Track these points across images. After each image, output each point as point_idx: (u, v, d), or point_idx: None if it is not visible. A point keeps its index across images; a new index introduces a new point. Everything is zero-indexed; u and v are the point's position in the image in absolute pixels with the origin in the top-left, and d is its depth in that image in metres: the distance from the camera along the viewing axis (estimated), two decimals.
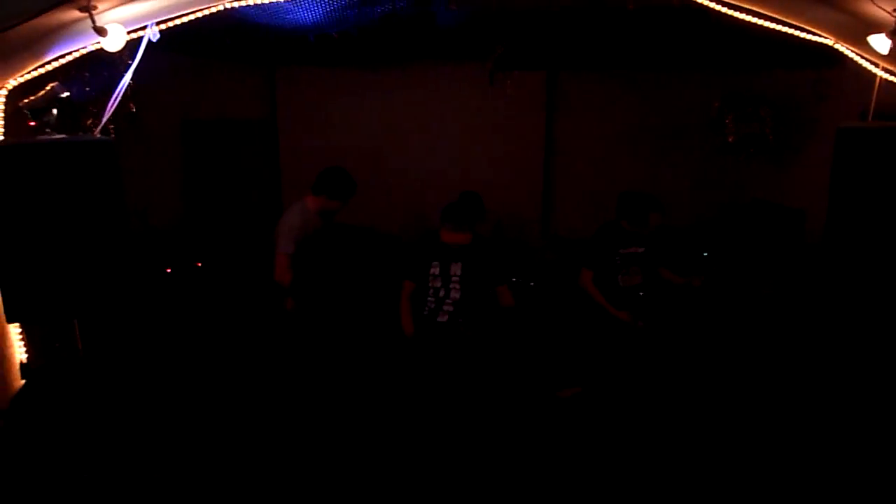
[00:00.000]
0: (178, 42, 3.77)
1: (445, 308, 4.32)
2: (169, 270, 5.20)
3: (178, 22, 3.38)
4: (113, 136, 4.18)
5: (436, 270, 4.32)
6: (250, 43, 4.79)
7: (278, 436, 4.21)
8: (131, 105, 4.64)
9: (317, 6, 3.63)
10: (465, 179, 6.40)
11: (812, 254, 5.19)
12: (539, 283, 6.05)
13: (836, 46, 3.76)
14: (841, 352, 4.73)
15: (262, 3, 3.44)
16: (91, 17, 2.72)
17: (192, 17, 3.40)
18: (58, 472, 3.29)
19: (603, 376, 4.72)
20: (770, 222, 5.90)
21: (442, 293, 4.31)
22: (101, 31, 2.79)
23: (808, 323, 5.11)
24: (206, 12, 3.41)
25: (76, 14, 2.77)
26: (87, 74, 4.10)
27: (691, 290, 4.90)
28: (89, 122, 4.33)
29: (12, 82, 3.33)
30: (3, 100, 3.32)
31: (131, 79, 3.41)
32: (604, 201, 5.55)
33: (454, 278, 4.30)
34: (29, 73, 3.32)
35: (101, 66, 3.95)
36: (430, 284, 4.33)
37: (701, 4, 3.29)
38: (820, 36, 3.69)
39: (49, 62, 3.32)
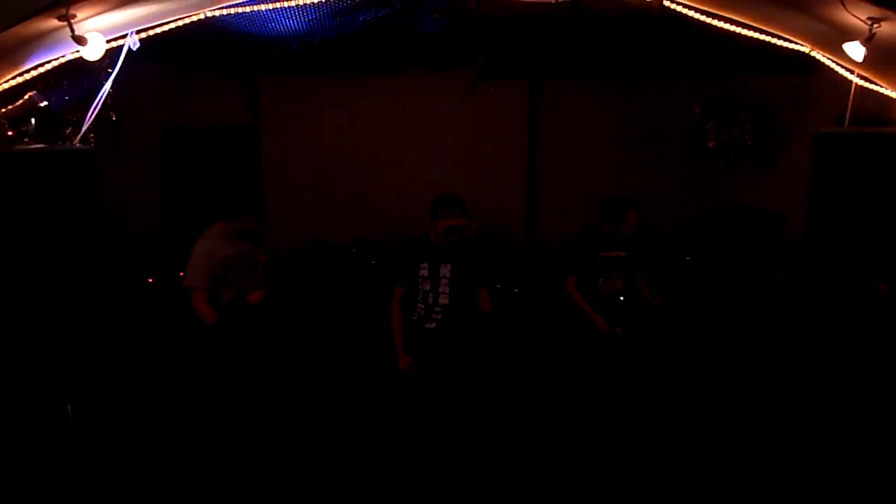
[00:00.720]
0: (159, 50, 3.75)
1: (434, 315, 4.31)
2: (151, 280, 5.14)
3: (158, 31, 3.36)
4: (93, 145, 4.14)
5: (425, 272, 4.29)
6: (232, 51, 4.77)
7: (262, 443, 4.20)
8: (111, 114, 4.60)
9: (299, 15, 3.63)
10: (447, 186, 6.39)
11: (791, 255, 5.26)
12: (523, 290, 6.07)
13: (813, 54, 3.82)
14: (820, 352, 4.79)
15: (244, 12, 3.43)
16: (70, 26, 2.69)
17: (172, 25, 3.38)
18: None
19: (583, 381, 4.74)
20: (751, 227, 5.96)
21: (431, 298, 4.28)
22: (80, 40, 2.77)
23: (788, 325, 5.18)
24: (187, 21, 3.39)
25: (55, 23, 2.74)
26: (66, 83, 4.06)
27: (652, 306, 4.92)
28: (68, 131, 4.28)
29: None
30: None
31: (112, 87, 3.39)
32: (587, 207, 5.57)
33: (443, 280, 4.28)
34: (6, 81, 3.28)
35: (81, 74, 3.91)
36: (420, 287, 4.30)
37: (679, 13, 3.32)
38: (796, 43, 3.75)
39: (27, 71, 3.29)
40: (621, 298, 4.76)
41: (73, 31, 2.72)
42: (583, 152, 7.12)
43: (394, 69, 6.59)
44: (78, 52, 3.00)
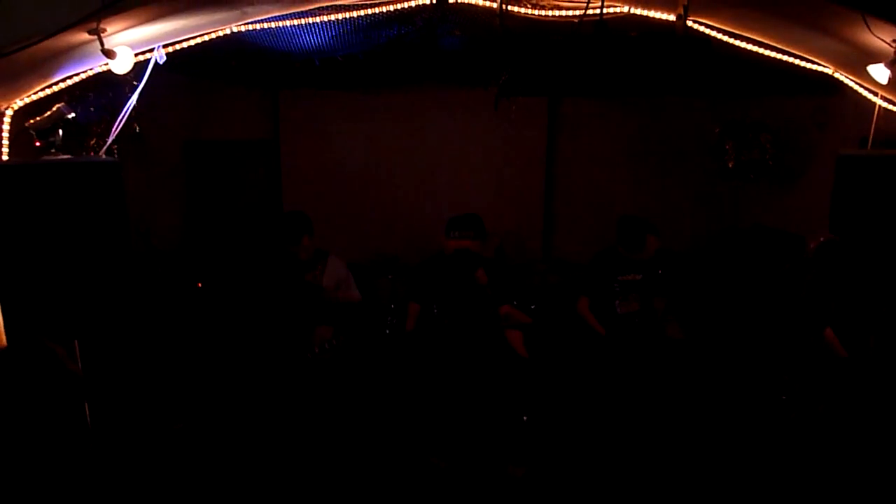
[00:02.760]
0: (182, 63, 3.80)
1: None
2: (201, 285, 5.23)
3: (185, 45, 3.41)
4: (116, 156, 4.19)
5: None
6: (255, 65, 4.82)
7: (272, 454, 4.21)
8: (135, 126, 4.65)
9: (323, 31, 3.66)
10: (466, 202, 6.40)
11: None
12: (540, 306, 6.04)
13: (836, 75, 3.81)
14: (840, 375, 4.72)
15: (269, 28, 3.48)
16: (100, 39, 2.74)
17: (199, 39, 3.43)
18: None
19: (596, 400, 4.71)
20: (770, 248, 5.91)
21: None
22: (109, 54, 2.81)
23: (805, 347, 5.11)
24: (213, 35, 3.44)
25: (85, 36, 2.79)
26: (91, 95, 4.12)
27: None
28: (92, 142, 4.34)
29: (18, 102, 3.35)
30: (9, 120, 3.34)
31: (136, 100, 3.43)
32: (605, 225, 5.57)
33: None
34: (35, 93, 3.34)
35: (106, 86, 3.97)
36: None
37: (703, 34, 3.32)
38: (820, 65, 3.74)
39: (56, 83, 3.35)
40: (637, 321, 4.73)
41: (102, 44, 2.76)
42: (602, 171, 7.11)
43: (414, 85, 6.62)
44: (106, 65, 3.05)
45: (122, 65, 2.91)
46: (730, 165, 6.00)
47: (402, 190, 7.22)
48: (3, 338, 3.13)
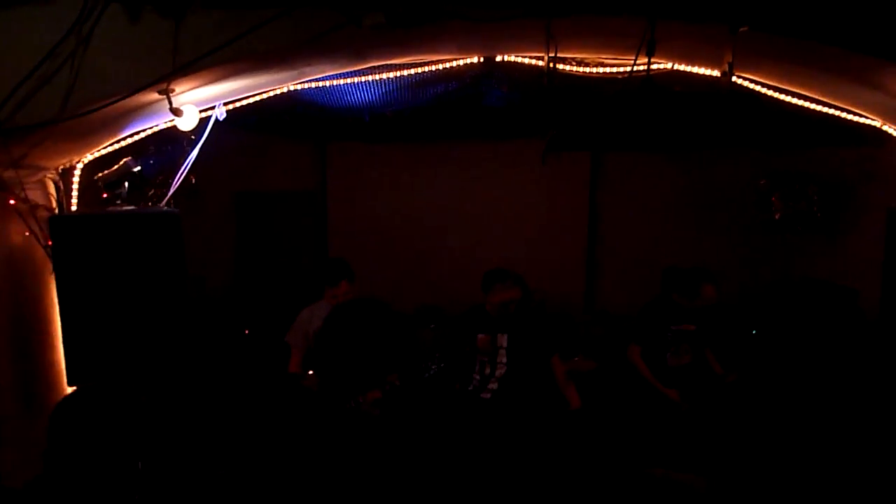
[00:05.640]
0: (237, 118, 3.97)
1: (490, 386, 4.28)
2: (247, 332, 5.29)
3: (244, 103, 3.58)
4: (172, 206, 4.36)
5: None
6: (307, 120, 5.00)
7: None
8: (192, 178, 4.84)
9: (375, 88, 3.81)
10: (509, 254, 6.44)
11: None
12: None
13: (885, 128, 3.79)
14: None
15: (324, 86, 3.63)
16: (168, 99, 2.90)
17: (257, 97, 3.60)
18: None
19: (648, 454, 4.59)
20: (821, 301, 5.78)
21: (488, 369, 4.27)
22: (177, 112, 2.97)
23: (863, 406, 4.92)
24: (271, 93, 3.61)
25: (154, 95, 2.96)
26: (151, 148, 4.32)
27: (724, 383, 4.76)
28: (151, 192, 4.52)
29: (88, 156, 3.54)
30: (79, 173, 3.53)
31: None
32: (648, 278, 5.53)
33: (501, 350, 4.28)
34: (104, 147, 3.53)
35: (164, 141, 4.17)
36: (478, 357, 4.30)
37: (749, 89, 3.36)
38: (867, 118, 3.73)
39: (124, 138, 3.54)
40: (689, 374, 4.64)
41: (171, 104, 2.93)
42: (645, 224, 7.08)
43: (458, 138, 6.76)
44: (172, 121, 3.22)
45: (188, 122, 3.07)
46: (776, 217, 5.94)
47: (446, 241, 7.30)
48: (66, 384, 3.24)
